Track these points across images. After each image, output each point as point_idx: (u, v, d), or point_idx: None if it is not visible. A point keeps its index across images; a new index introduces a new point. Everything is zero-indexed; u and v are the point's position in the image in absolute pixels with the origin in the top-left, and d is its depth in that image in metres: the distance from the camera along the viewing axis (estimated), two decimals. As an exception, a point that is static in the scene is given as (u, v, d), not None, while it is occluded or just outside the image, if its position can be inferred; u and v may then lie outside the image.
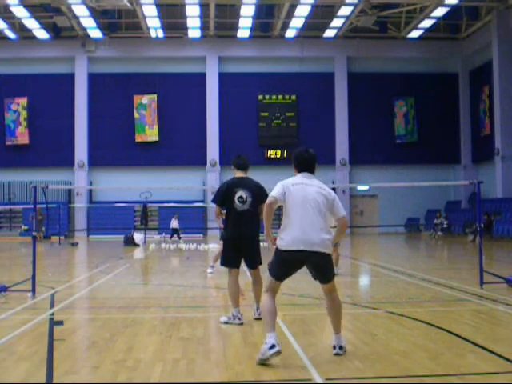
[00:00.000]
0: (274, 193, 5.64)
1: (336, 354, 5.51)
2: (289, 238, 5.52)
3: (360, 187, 36.84)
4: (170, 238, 28.07)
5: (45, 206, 14.26)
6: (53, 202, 31.29)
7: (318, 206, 5.58)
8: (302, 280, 12.12)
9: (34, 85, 35.80)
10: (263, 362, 5.23)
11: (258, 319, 7.21)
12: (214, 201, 7.57)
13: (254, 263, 7.41)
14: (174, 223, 28.30)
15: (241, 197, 7.24)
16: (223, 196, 7.37)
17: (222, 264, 7.54)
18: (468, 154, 37.49)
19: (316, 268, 5.60)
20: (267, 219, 5.63)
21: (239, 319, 7.20)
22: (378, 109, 36.96)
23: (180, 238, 27.83)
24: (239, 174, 7.53)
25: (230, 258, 7.38)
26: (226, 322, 7.25)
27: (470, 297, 9.27)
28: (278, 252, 5.57)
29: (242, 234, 7.24)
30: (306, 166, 5.84)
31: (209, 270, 13.37)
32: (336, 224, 5.94)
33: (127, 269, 15.44)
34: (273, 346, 5.22)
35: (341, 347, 5.59)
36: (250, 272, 7.59)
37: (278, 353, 5.23)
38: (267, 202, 5.63)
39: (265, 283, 5.82)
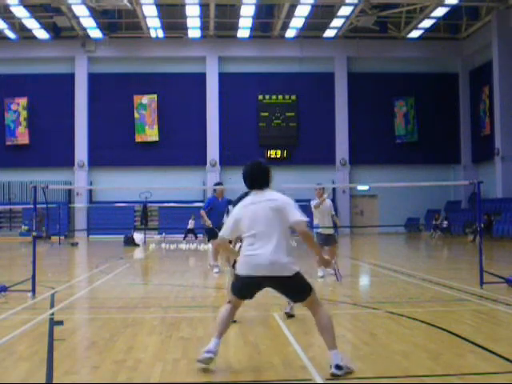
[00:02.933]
0: (222, 232, 5.42)
1: (332, 375, 4.86)
2: (245, 264, 5.18)
3: (360, 187, 36.84)
4: (184, 238, 28.38)
5: (45, 205, 14.25)
6: (53, 202, 31.27)
7: (269, 224, 5.14)
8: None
9: (34, 85, 35.80)
10: (199, 363, 5.12)
11: (289, 316, 7.54)
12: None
13: None
14: (191, 224, 28.71)
15: None
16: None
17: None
18: (468, 154, 37.50)
19: (282, 291, 5.29)
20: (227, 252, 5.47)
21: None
22: (378, 109, 36.96)
23: (196, 237, 28.61)
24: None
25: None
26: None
27: (470, 297, 9.27)
28: (238, 276, 5.29)
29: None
30: (252, 181, 5.48)
31: (215, 270, 13.36)
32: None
33: (127, 269, 15.44)
34: (208, 351, 5.08)
35: (338, 366, 4.89)
36: None
37: (210, 359, 5.07)
38: (218, 242, 5.48)
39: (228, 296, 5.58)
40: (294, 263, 5.13)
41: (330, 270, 12.64)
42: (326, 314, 5.16)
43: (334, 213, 12.79)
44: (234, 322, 7.02)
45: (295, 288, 5.19)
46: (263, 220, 5.17)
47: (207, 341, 6.45)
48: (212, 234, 13.23)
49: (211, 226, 13.16)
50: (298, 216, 5.13)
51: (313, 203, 12.54)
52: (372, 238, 32.73)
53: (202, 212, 13.61)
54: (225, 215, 13.63)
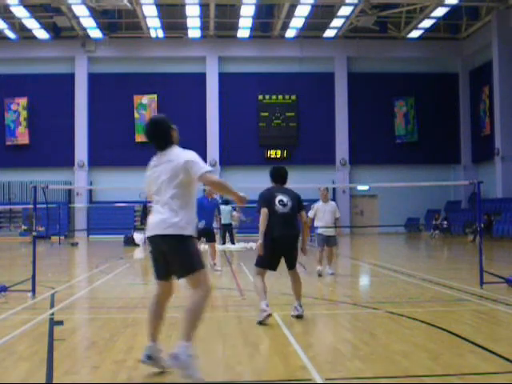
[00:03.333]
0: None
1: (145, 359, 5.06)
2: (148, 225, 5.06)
3: (360, 187, 36.84)
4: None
5: (45, 206, 14.26)
6: (53, 202, 31.27)
7: (165, 185, 4.96)
8: (302, 280, 12.12)
9: (34, 85, 35.80)
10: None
11: (298, 317, 7.45)
12: (258, 208, 7.48)
13: (293, 263, 7.56)
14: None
15: (281, 200, 7.39)
16: (265, 199, 7.47)
17: (257, 264, 7.51)
18: (468, 154, 37.50)
19: (170, 258, 5.01)
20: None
21: (265, 311, 7.11)
22: (378, 109, 36.96)
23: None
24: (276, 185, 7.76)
25: (267, 260, 7.41)
26: (259, 322, 7.13)
27: (470, 297, 9.27)
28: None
29: (285, 234, 7.31)
30: (150, 140, 5.19)
31: (217, 268, 13.53)
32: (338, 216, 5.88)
33: (127, 269, 15.44)
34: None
35: (174, 356, 4.74)
36: (288, 273, 7.68)
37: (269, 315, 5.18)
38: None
39: None
40: (186, 227, 4.88)
41: (328, 270, 12.76)
42: (201, 301, 5.00)
43: (339, 215, 12.71)
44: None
45: (181, 257, 4.92)
46: (160, 181, 4.98)
47: (207, 341, 6.46)
48: (205, 234, 13.29)
49: (201, 226, 13.05)
50: (204, 169, 4.84)
51: (317, 205, 12.74)
52: (372, 238, 32.73)
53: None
54: (215, 215, 13.73)
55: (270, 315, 7.08)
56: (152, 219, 5.00)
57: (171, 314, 8.19)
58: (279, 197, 7.39)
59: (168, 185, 4.93)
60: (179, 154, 5.00)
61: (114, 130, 36.04)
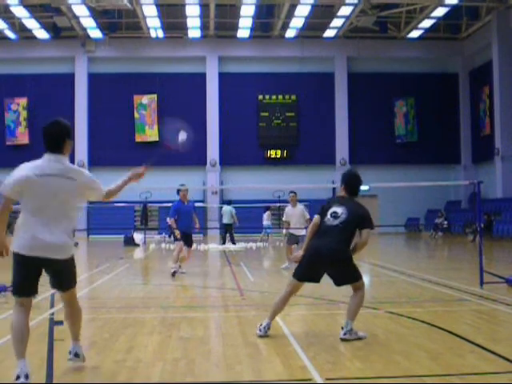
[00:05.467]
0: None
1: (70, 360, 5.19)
2: (22, 241, 4.86)
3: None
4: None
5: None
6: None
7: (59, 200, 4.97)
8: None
9: (33, 85, 35.80)
10: None
11: (344, 340, 6.26)
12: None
13: (340, 280, 6.73)
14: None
15: (335, 212, 6.62)
16: (322, 209, 6.77)
17: (293, 275, 6.67)
18: (468, 154, 37.51)
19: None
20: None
21: (260, 331, 6.50)
22: (378, 109, 36.97)
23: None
24: (344, 194, 6.91)
25: (301, 270, 6.60)
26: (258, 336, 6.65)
27: (470, 297, 9.27)
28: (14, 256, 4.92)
29: (323, 247, 6.49)
30: (49, 142, 5.24)
31: (179, 270, 12.98)
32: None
33: (127, 269, 15.44)
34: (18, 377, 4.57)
35: (76, 354, 5.19)
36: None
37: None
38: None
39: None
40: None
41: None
42: (79, 307, 5.27)
43: (308, 217, 13.75)
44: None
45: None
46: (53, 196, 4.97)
47: (207, 341, 6.46)
48: (185, 241, 12.95)
49: (179, 236, 12.75)
50: (99, 186, 5.26)
51: (287, 209, 14.22)
52: (372, 238, 32.43)
53: (171, 221, 12.95)
54: (194, 217, 13.33)
55: (261, 337, 6.44)
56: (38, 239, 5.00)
57: (172, 314, 8.20)
58: (334, 208, 6.65)
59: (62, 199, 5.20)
60: (75, 169, 5.55)
61: (114, 130, 36.04)
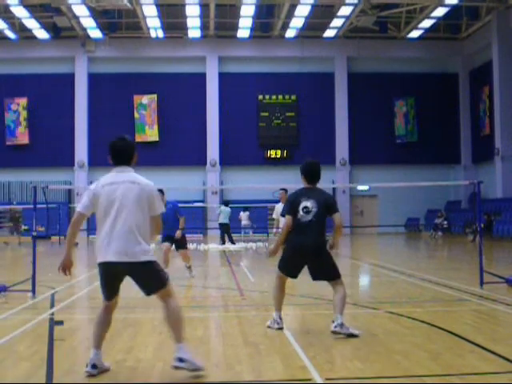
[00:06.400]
0: (80, 206, 5.18)
1: (175, 368, 4.93)
2: (101, 249, 5.04)
3: (360, 187, 36.83)
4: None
5: (45, 206, 14.26)
6: (53, 202, 31.26)
7: (130, 205, 5.02)
8: (302, 280, 12.13)
9: (33, 85, 35.79)
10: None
11: (335, 333, 6.40)
12: (282, 212, 7.05)
13: (320, 274, 6.82)
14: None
15: (306, 207, 6.74)
16: (291, 205, 6.86)
17: (279, 267, 6.89)
18: (468, 154, 37.50)
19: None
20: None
21: (278, 323, 6.82)
22: (378, 109, 36.96)
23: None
24: (307, 185, 7.09)
25: (286, 266, 6.82)
26: (268, 326, 6.89)
27: (470, 297, 9.27)
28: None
29: (305, 244, 6.62)
30: (118, 157, 5.36)
31: (190, 274, 12.77)
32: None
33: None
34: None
35: (180, 359, 4.93)
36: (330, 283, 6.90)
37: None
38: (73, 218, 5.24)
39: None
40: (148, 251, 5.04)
41: None
42: (178, 306, 5.22)
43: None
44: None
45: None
46: (124, 200, 5.08)
47: (207, 341, 6.47)
48: (164, 239, 12.56)
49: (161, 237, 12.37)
50: (160, 209, 5.20)
51: (277, 206, 13.68)
52: (372, 238, 32.73)
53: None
54: (179, 218, 12.79)
55: (281, 329, 6.74)
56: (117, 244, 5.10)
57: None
58: (303, 203, 6.75)
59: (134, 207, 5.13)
60: (142, 180, 5.32)
61: (114, 130, 35.72)
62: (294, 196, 7.00)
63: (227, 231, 24.45)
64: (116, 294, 5.35)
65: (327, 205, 6.81)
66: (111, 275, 5.16)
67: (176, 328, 5.07)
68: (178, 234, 12.32)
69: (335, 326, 6.37)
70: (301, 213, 6.71)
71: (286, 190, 13.37)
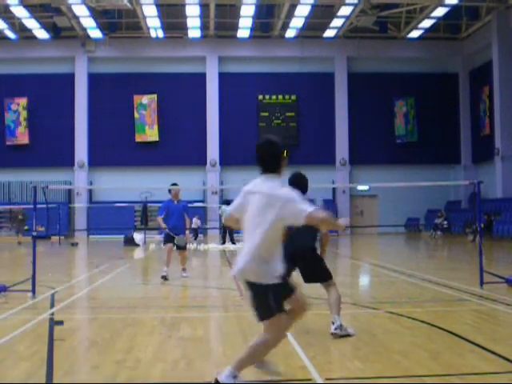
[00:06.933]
0: (230, 207, 4.77)
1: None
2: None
3: (360, 187, 36.84)
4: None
5: (45, 206, 14.25)
6: (53, 201, 31.26)
7: (256, 222, 4.46)
8: (301, 281, 12.12)
9: (33, 85, 35.80)
10: None
11: (335, 335, 6.44)
12: None
13: (312, 277, 6.88)
14: (196, 223, 28.94)
15: None
16: None
17: None
18: (468, 154, 37.50)
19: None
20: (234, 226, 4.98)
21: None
22: (378, 109, 36.96)
23: (196, 238, 28.87)
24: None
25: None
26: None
27: (469, 297, 9.27)
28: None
29: (295, 248, 6.57)
30: (259, 162, 4.64)
31: (185, 274, 12.79)
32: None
33: (127, 269, 15.45)
34: None
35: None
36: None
37: None
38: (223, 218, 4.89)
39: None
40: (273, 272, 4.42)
41: None
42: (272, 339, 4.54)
43: None
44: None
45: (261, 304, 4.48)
46: (252, 216, 4.51)
47: (207, 341, 6.46)
48: (167, 239, 12.64)
49: (167, 230, 12.49)
50: (307, 209, 4.30)
51: None
52: (372, 238, 32.73)
53: (159, 218, 12.68)
54: (185, 218, 12.92)
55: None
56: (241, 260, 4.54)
57: (172, 314, 8.20)
58: None
59: (257, 224, 4.50)
60: (277, 190, 4.52)
61: (114, 130, 36.04)
62: None
63: (229, 231, 24.50)
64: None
65: None
66: None
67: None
68: (187, 237, 12.71)
69: (335, 328, 6.43)
70: None
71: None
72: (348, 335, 6.40)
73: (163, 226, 12.50)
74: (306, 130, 36.55)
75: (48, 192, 11.67)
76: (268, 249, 4.42)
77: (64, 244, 27.74)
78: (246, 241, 4.53)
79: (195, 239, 27.82)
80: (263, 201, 4.43)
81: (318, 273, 6.89)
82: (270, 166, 4.58)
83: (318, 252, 6.94)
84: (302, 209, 4.30)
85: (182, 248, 12.72)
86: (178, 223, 12.53)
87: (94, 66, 36.56)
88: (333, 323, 6.50)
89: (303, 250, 6.78)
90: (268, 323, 4.43)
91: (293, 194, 4.44)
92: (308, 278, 6.94)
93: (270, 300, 4.38)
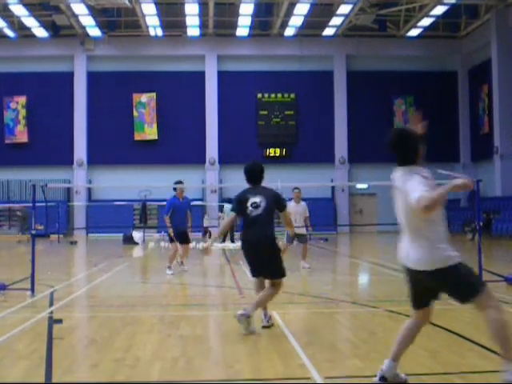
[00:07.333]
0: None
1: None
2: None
3: (359, 185, 36.83)
4: (204, 236, 29.13)
5: (44, 204, 14.25)
6: (52, 200, 31.20)
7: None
8: (302, 279, 12.14)
9: (33, 83, 35.75)
10: None
11: (266, 327, 6.81)
12: (231, 208, 7.17)
13: (268, 272, 6.86)
14: (206, 221, 29.32)
15: (254, 202, 6.90)
16: (238, 203, 7.04)
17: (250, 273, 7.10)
18: (467, 153, 37.50)
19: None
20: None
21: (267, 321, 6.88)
22: (377, 107, 36.93)
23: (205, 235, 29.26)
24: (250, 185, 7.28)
25: (251, 268, 6.97)
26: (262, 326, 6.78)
27: (469, 295, 9.25)
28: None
29: (254, 238, 6.79)
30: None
31: (184, 268, 13.22)
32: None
33: (126, 267, 15.44)
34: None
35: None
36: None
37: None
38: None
39: None
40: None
41: (304, 264, 13.70)
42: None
43: (308, 215, 13.78)
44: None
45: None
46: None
47: (206, 339, 6.47)
48: (181, 238, 12.92)
49: (172, 234, 12.76)
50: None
51: (289, 205, 13.44)
52: (371, 237, 32.75)
53: (166, 218, 12.92)
54: (188, 214, 13.17)
55: (267, 327, 6.80)
56: None
57: (171, 312, 8.20)
58: (252, 199, 6.92)
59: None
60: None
61: (113, 129, 36.01)
62: (242, 194, 7.15)
63: (230, 229, 24.39)
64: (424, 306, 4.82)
65: (276, 200, 7.02)
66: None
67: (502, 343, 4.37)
68: (208, 246, 13.01)
69: (267, 321, 6.85)
70: (250, 208, 6.90)
71: (300, 190, 13.88)
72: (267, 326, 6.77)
73: (170, 228, 12.75)
74: (305, 129, 36.53)
75: (47, 190, 11.67)
76: (426, 234, 4.42)
77: (63, 242, 27.73)
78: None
79: (223, 241, 24.79)
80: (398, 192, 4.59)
81: (273, 268, 6.82)
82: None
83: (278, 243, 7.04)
84: (411, 197, 4.25)
85: (186, 242, 13.13)
86: (184, 220, 12.92)
87: (93, 64, 36.53)
88: (263, 320, 6.83)
89: (264, 238, 6.80)
90: (478, 299, 4.42)
91: (409, 182, 4.39)
92: (259, 272, 6.91)
93: (464, 278, 4.46)
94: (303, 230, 13.59)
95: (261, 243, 6.77)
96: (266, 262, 6.79)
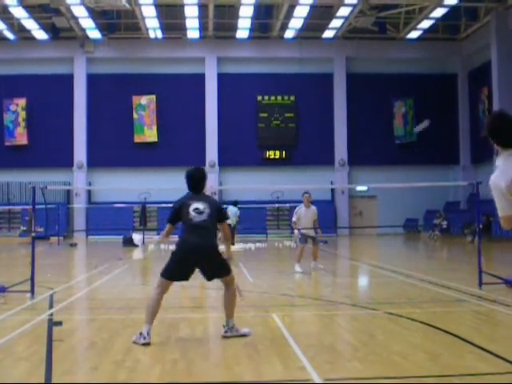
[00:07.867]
0: None
1: None
2: None
3: (359, 188, 36.82)
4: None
5: (43, 206, 14.22)
6: (52, 202, 31.19)
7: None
8: (301, 281, 12.14)
9: (32, 85, 35.76)
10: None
11: (225, 337, 6.55)
12: (168, 217, 6.92)
13: (214, 274, 6.79)
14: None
15: (197, 208, 6.69)
16: (177, 209, 6.81)
17: (163, 275, 6.62)
18: (467, 155, 37.50)
19: None
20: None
21: (144, 338, 6.21)
22: (377, 109, 36.95)
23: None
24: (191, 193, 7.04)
25: (176, 271, 6.59)
26: (133, 342, 6.25)
27: (468, 297, 9.27)
28: None
29: (198, 244, 6.52)
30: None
31: None
32: None
33: (126, 269, 15.44)
34: None
35: None
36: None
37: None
38: None
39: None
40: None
41: (319, 266, 13.90)
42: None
43: (316, 217, 13.90)
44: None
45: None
46: None
47: (206, 341, 6.46)
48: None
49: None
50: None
51: (300, 210, 13.90)
52: (371, 239, 32.74)
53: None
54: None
55: (147, 344, 6.17)
56: None
57: (171, 315, 8.19)
58: (194, 205, 6.71)
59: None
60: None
61: (113, 131, 36.02)
62: (181, 201, 6.89)
63: (232, 232, 24.50)
64: None
65: (218, 209, 6.86)
66: None
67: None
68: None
69: (225, 331, 6.57)
70: (192, 214, 6.66)
71: (310, 194, 13.91)
72: (244, 335, 6.52)
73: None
74: (305, 131, 36.54)
75: (47, 192, 11.66)
76: None
77: (63, 244, 27.72)
78: None
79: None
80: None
81: (219, 268, 6.73)
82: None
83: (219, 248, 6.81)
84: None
85: None
86: None
87: (92, 66, 36.55)
88: (224, 326, 6.61)
89: (207, 246, 6.57)
90: None
91: (491, 183, 4.17)
92: (210, 275, 6.81)
93: None
94: (313, 232, 13.91)
95: (205, 251, 6.53)
96: (211, 266, 6.67)
